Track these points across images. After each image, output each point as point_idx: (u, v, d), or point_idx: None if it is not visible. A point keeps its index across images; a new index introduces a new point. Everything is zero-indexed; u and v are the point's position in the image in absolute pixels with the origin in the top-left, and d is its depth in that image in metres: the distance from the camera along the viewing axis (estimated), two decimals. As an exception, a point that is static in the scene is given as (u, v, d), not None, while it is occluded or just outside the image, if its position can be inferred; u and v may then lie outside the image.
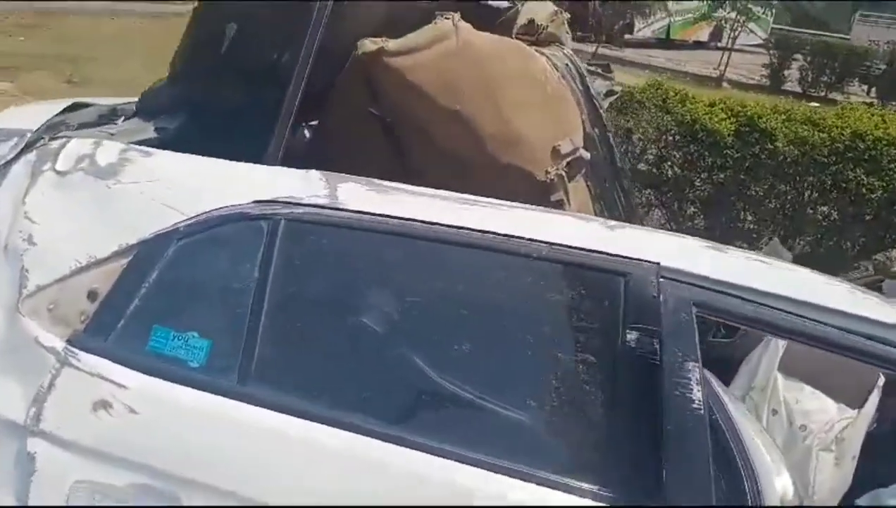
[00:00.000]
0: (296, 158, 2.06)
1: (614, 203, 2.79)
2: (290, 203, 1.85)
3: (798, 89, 23.20)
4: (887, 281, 2.73)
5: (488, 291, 1.72)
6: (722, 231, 7.52)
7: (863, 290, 1.79)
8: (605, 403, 1.60)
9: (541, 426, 1.63)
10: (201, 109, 2.21)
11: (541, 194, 2.42)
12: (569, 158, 2.40)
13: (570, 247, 1.70)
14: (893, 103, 20.16)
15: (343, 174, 1.97)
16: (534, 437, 1.63)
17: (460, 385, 1.66)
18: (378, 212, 1.80)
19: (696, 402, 1.54)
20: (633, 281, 1.65)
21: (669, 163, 7.07)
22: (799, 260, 7.56)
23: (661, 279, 1.62)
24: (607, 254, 1.70)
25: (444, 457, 1.58)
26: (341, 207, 1.82)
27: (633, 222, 2.79)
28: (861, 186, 6.67)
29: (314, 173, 1.98)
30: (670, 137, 6.90)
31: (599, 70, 3.05)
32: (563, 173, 2.37)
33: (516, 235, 1.71)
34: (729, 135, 6.64)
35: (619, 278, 1.67)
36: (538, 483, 1.55)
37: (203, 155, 1.98)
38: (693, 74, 24.37)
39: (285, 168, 1.99)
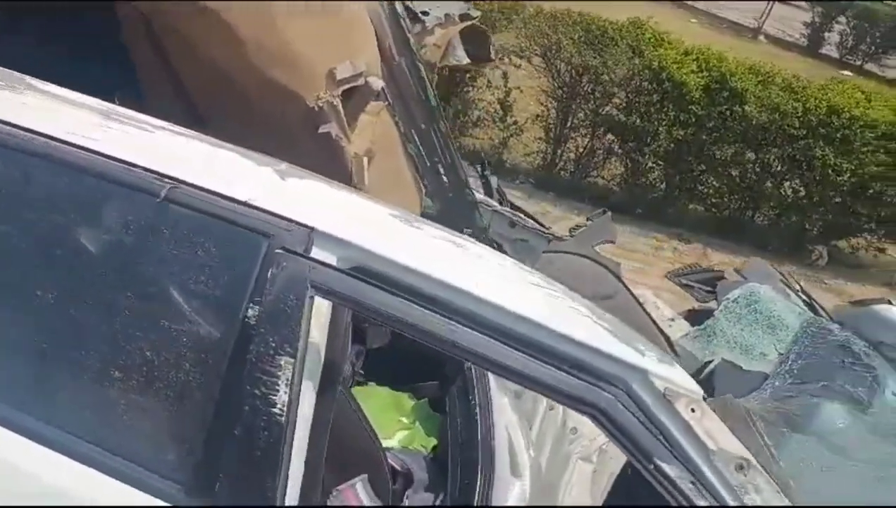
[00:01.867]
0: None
1: (434, 148, 2.44)
2: None
3: (836, 54, 22.07)
4: (720, 283, 2.44)
5: (78, 226, 1.40)
6: (681, 192, 7.13)
7: (573, 296, 1.46)
8: (185, 387, 1.32)
9: (107, 398, 1.35)
10: None
11: (312, 123, 2.08)
12: (346, 85, 2.05)
13: (206, 190, 1.38)
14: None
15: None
16: (96, 409, 1.35)
17: (25, 341, 1.38)
18: None
19: (279, 405, 1.25)
20: (272, 246, 1.34)
21: (635, 111, 6.60)
22: (756, 235, 7.18)
23: (279, 251, 1.31)
24: (251, 207, 1.38)
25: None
26: None
27: (453, 172, 2.44)
28: (828, 165, 6.21)
29: None
30: (637, 83, 6.41)
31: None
32: (336, 102, 2.02)
33: (142, 164, 1.39)
34: (696, 90, 6.16)
35: (259, 239, 1.36)
36: (82, 461, 1.29)
37: None
38: (731, 21, 23.22)
39: None
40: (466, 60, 2.71)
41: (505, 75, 7.39)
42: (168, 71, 2.19)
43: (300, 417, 1.30)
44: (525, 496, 2.07)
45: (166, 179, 1.39)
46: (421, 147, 2.44)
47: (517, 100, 7.57)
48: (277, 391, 1.26)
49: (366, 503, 2.06)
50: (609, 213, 2.75)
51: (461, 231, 2.83)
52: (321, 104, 2.02)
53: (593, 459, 2.13)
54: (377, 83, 2.12)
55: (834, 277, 7.00)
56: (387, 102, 2.25)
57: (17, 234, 1.40)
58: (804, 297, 2.44)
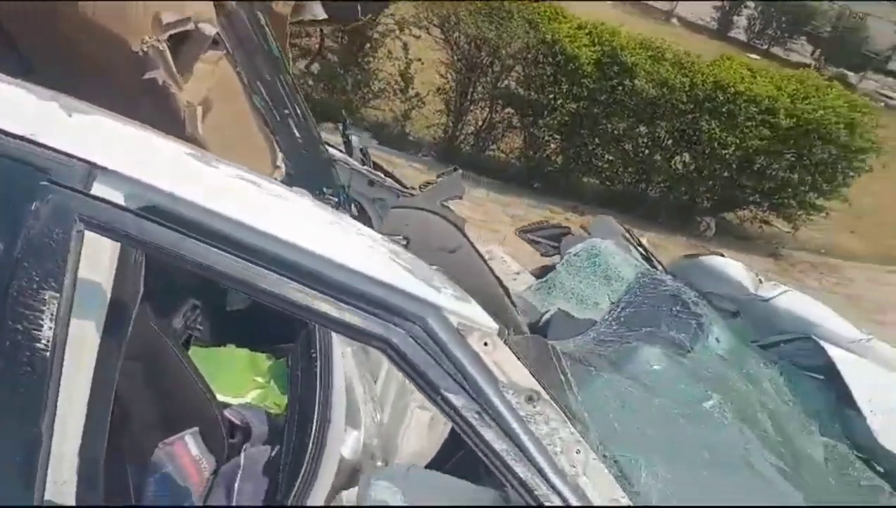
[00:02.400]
0: None
1: (282, 101, 2.40)
2: None
3: (744, 38, 22.81)
4: (565, 239, 2.51)
5: None
6: (576, 165, 7.26)
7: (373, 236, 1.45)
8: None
9: None
10: None
11: (140, 69, 2.03)
12: (173, 30, 2.00)
13: None
14: (831, 69, 20.01)
15: None
16: None
17: None
18: None
19: (43, 340, 1.21)
20: (50, 180, 1.29)
21: (531, 85, 6.67)
22: (648, 207, 7.39)
23: (44, 183, 1.26)
24: (28, 142, 1.32)
25: None
26: None
27: (305, 128, 2.40)
28: (714, 139, 6.43)
29: None
30: (531, 56, 6.47)
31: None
32: (163, 47, 1.97)
33: None
34: (588, 63, 6.26)
35: (35, 173, 1.30)
36: None
37: None
38: (646, 2, 23.70)
39: None
40: (323, 16, 2.66)
41: (405, 46, 7.36)
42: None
43: (77, 354, 1.26)
44: (359, 445, 2.08)
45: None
46: (268, 99, 2.40)
47: (418, 72, 7.56)
48: (41, 326, 1.22)
49: (196, 455, 2.03)
50: (459, 170, 2.77)
51: (319, 190, 2.83)
52: (146, 49, 1.96)
53: (431, 407, 2.15)
54: (209, 29, 2.07)
55: (721, 247, 7.27)
56: (225, 51, 2.20)
57: None
58: (643, 251, 2.52)
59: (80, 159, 1.34)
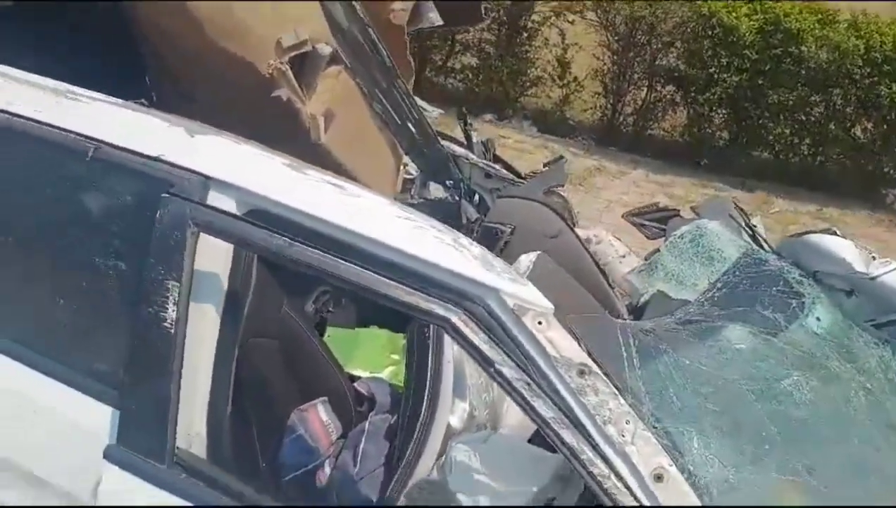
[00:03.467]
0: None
1: (399, 105, 2.62)
2: None
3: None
4: (671, 221, 2.48)
5: (29, 185, 1.72)
6: (744, 140, 6.94)
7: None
8: (108, 309, 1.63)
9: (51, 317, 1.68)
10: None
11: (269, 89, 2.33)
12: (293, 53, 2.27)
13: (124, 149, 1.66)
14: None
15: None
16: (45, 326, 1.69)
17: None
18: None
19: (168, 321, 1.53)
20: (170, 192, 1.62)
21: (690, 60, 6.50)
22: (825, 180, 6.91)
23: (164, 195, 1.58)
24: (158, 161, 1.65)
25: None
26: None
27: (421, 128, 2.62)
28: (896, 105, 5.94)
29: None
30: (689, 31, 6.30)
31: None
32: (285, 68, 2.25)
33: (75, 130, 1.69)
34: (749, 33, 5.99)
35: (163, 187, 1.63)
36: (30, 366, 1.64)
37: None
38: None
39: None
40: (440, 22, 2.87)
41: (562, 33, 7.42)
42: (162, 63, 2.52)
43: (198, 331, 1.57)
44: (465, 415, 2.29)
45: (91, 141, 1.70)
46: (387, 105, 2.65)
47: (575, 56, 7.58)
48: (167, 308, 1.55)
49: (325, 420, 2.34)
50: (564, 159, 2.87)
51: (443, 183, 3.06)
52: (272, 71, 2.27)
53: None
54: (325, 49, 2.35)
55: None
56: (343, 65, 2.48)
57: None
58: (750, 231, 2.48)
59: (196, 173, 1.64)
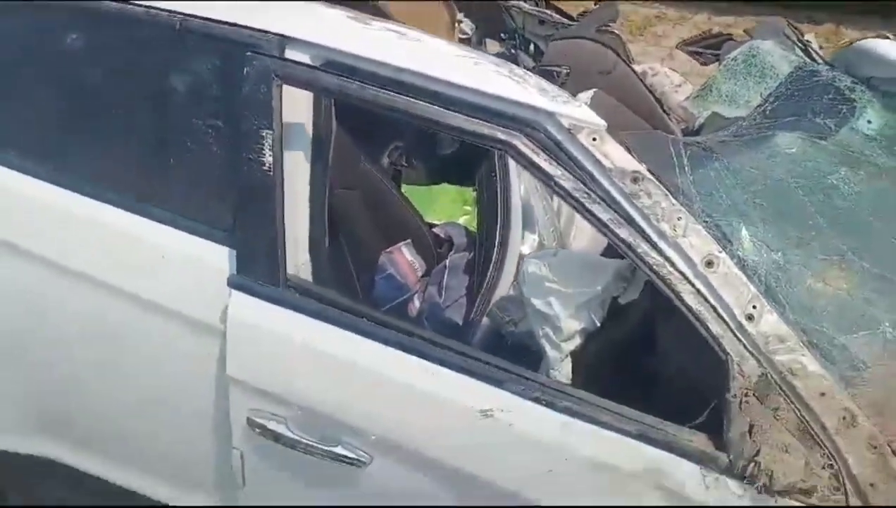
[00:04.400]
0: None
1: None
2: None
3: None
4: (725, 45, 2.49)
5: (104, 59, 1.92)
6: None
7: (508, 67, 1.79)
8: (207, 163, 1.85)
9: (163, 173, 1.91)
10: None
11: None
12: None
13: (211, 20, 1.83)
14: None
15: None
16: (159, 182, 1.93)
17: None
18: None
19: (266, 164, 1.75)
20: (253, 51, 1.80)
21: None
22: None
23: (248, 53, 1.76)
24: (239, 26, 1.83)
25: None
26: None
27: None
28: None
29: None
30: None
31: None
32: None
33: (161, 7, 1.87)
34: None
35: (245, 48, 1.81)
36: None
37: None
38: None
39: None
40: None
41: None
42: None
43: (293, 172, 1.80)
44: (535, 245, 2.50)
45: (178, 14, 1.89)
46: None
47: None
48: (264, 154, 1.77)
49: (410, 259, 2.60)
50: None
51: (498, 35, 3.16)
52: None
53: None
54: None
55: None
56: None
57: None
58: (802, 46, 2.50)
59: (274, 34, 1.82)
